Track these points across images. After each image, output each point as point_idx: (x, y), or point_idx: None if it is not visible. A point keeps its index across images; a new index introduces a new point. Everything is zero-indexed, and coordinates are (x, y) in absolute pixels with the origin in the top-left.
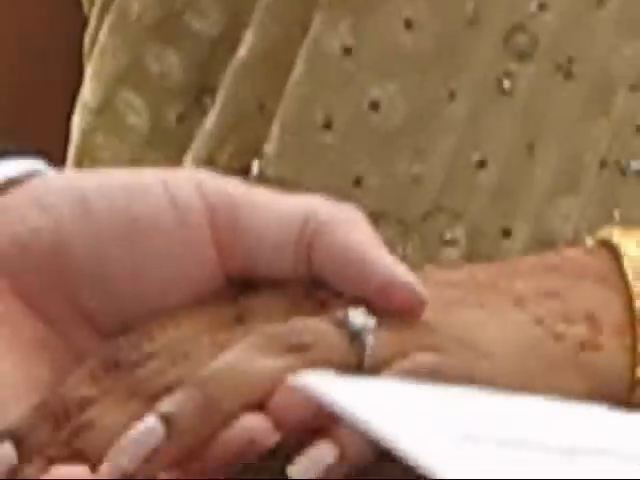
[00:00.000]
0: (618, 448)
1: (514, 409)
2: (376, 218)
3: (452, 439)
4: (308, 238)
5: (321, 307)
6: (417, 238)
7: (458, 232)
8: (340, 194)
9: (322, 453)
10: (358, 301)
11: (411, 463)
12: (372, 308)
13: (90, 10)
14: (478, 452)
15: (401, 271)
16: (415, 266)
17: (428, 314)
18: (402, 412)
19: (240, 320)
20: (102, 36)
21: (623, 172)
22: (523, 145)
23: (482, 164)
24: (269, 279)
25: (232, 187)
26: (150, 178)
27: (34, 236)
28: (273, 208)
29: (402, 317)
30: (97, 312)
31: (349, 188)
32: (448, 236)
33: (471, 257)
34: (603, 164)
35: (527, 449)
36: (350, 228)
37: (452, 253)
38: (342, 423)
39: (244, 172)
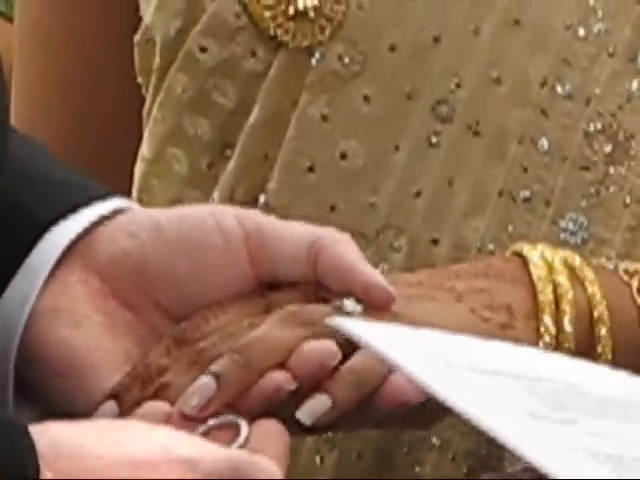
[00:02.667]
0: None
1: (477, 348)
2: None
3: (435, 364)
4: (315, 253)
5: (323, 302)
6: (374, 247)
7: (402, 242)
8: (320, 217)
9: (320, 402)
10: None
11: (406, 377)
12: (358, 302)
13: (146, 91)
14: (453, 374)
15: (378, 276)
16: (373, 266)
17: (396, 306)
18: (400, 342)
19: (268, 311)
20: (155, 109)
21: (514, 200)
22: (446, 181)
23: (418, 194)
24: (287, 281)
25: (260, 217)
26: (204, 211)
27: (124, 254)
28: (289, 232)
29: (379, 307)
30: (169, 304)
31: (327, 213)
32: (395, 245)
33: (411, 260)
34: (500, 194)
35: (490, 375)
36: (343, 247)
37: (397, 257)
38: (336, 381)
39: (254, 203)
